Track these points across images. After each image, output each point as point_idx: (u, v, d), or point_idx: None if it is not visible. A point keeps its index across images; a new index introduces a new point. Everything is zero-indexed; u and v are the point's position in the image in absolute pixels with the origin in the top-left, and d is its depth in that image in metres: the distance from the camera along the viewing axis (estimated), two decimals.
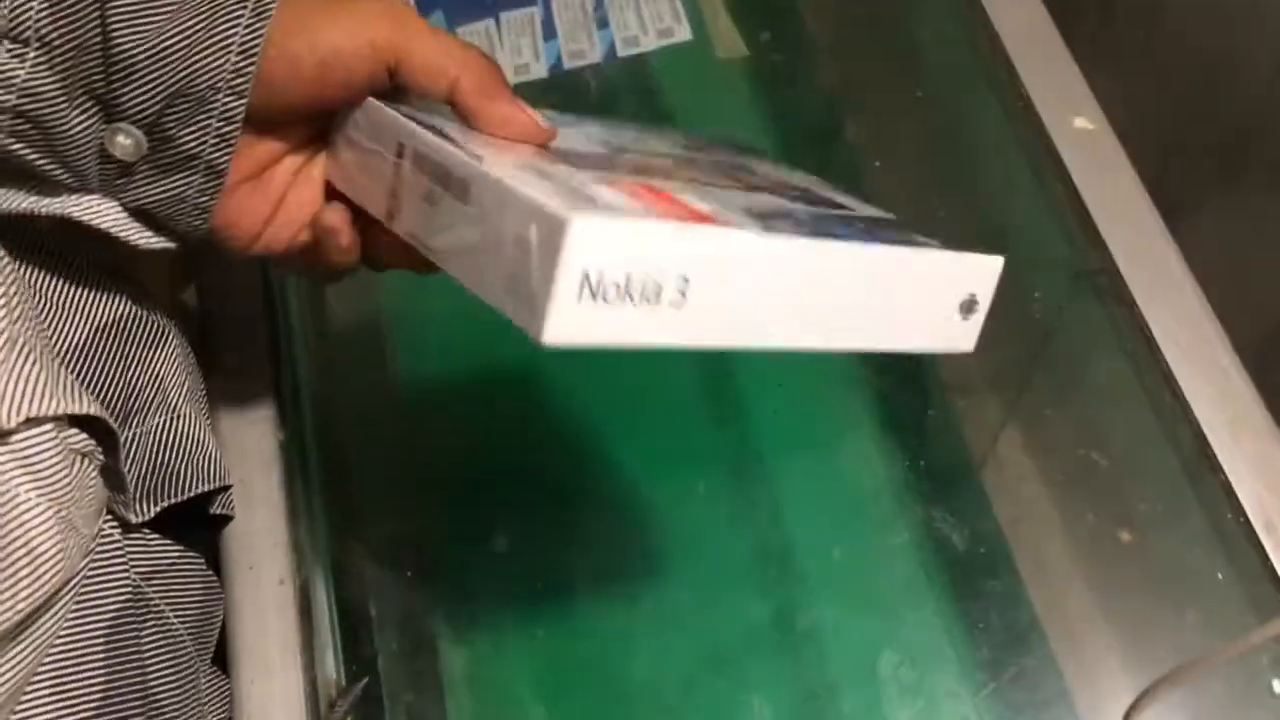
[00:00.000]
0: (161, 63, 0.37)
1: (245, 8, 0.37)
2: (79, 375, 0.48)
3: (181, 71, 0.37)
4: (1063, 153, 0.62)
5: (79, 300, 0.48)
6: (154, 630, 0.47)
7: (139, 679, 0.45)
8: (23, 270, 0.46)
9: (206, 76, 0.37)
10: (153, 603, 0.47)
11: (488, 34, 0.74)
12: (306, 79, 0.38)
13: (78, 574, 0.43)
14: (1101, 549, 0.55)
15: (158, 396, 0.51)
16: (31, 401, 0.37)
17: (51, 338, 0.47)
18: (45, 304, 0.47)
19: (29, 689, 0.41)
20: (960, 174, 0.67)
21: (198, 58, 0.37)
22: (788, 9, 0.75)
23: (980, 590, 0.55)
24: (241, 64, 0.37)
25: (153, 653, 0.46)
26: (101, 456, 0.43)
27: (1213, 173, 0.74)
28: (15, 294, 0.38)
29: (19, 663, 0.39)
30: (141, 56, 0.36)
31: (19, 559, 0.37)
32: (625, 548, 0.58)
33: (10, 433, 0.37)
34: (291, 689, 0.51)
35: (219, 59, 0.37)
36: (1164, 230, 0.60)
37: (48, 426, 0.38)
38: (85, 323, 0.48)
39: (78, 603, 0.43)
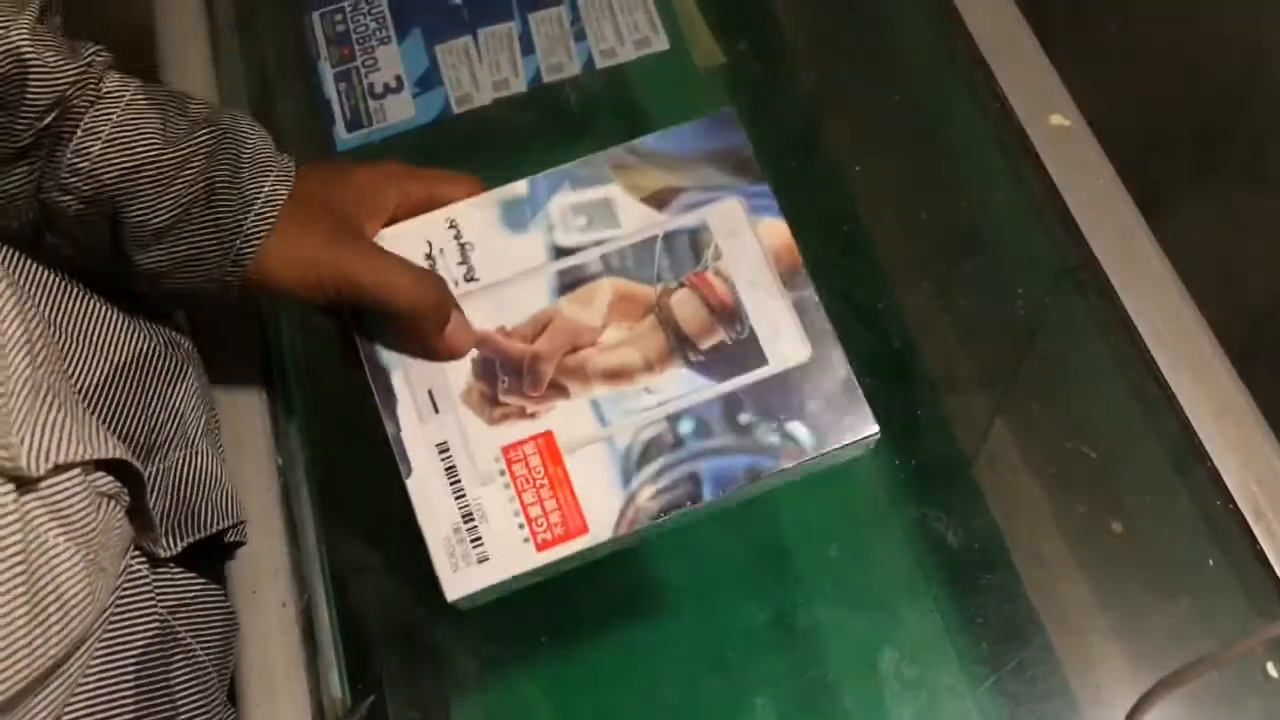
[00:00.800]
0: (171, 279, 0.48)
1: (230, 249, 0.47)
2: (101, 412, 0.48)
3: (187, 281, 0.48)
4: (1040, 150, 0.63)
5: (100, 338, 0.49)
6: (182, 663, 0.47)
7: (169, 711, 0.45)
8: (44, 309, 0.47)
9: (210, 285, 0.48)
10: (179, 636, 0.47)
11: (466, 51, 0.75)
12: (255, 288, 0.48)
13: (104, 616, 0.43)
14: (1093, 540, 0.56)
15: (178, 433, 0.51)
16: (59, 449, 0.37)
17: (73, 376, 0.47)
18: (67, 341, 0.47)
19: None
20: (940, 175, 0.68)
21: (199, 276, 0.48)
22: (764, 17, 0.75)
23: (977, 585, 0.56)
24: (230, 281, 0.48)
25: (180, 686, 0.47)
26: (128, 498, 0.43)
27: (1189, 165, 0.75)
28: (39, 337, 0.39)
29: (50, 702, 0.39)
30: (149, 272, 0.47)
31: (49, 604, 0.37)
32: (625, 555, 0.58)
33: (38, 480, 0.37)
34: (297, 711, 0.51)
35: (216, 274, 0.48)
36: (1143, 224, 0.61)
37: (75, 472, 0.39)
38: (106, 361, 0.49)
39: (108, 637, 0.43)
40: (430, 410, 0.47)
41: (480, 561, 0.45)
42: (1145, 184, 0.63)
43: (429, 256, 0.49)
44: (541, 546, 0.45)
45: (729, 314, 0.47)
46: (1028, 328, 0.62)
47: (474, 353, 0.48)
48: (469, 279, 0.49)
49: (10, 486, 0.36)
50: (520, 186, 0.50)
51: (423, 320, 0.46)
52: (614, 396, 0.46)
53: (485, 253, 0.49)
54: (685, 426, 0.46)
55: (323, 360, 0.65)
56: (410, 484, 0.46)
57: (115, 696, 0.43)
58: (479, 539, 0.45)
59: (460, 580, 0.45)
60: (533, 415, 0.46)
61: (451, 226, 0.49)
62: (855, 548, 0.58)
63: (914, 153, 0.69)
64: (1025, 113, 0.64)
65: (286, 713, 0.52)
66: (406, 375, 0.47)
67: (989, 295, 0.64)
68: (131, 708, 0.43)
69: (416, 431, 0.47)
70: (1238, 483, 0.54)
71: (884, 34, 0.73)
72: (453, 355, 0.47)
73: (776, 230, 0.48)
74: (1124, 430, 0.58)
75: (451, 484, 0.46)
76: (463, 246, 0.49)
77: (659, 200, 0.49)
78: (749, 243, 0.48)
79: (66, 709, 0.41)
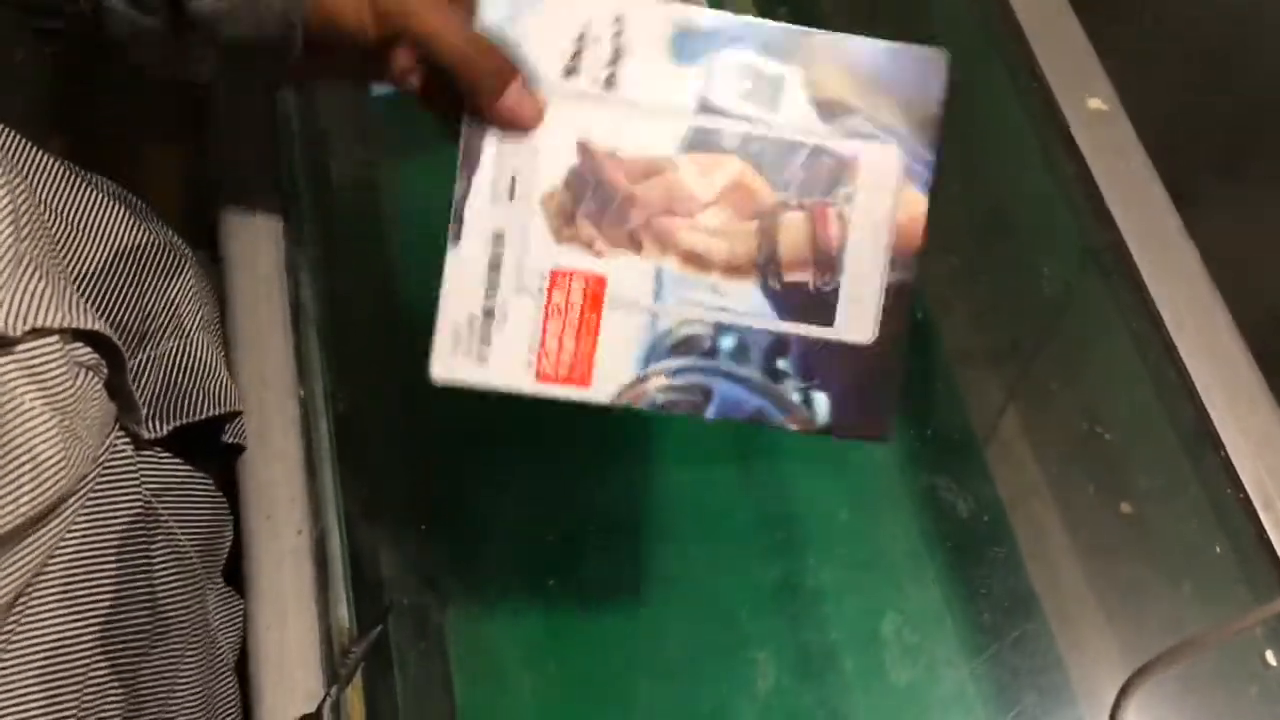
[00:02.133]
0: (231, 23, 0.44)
1: None
2: (97, 297, 0.49)
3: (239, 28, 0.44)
4: (1075, 133, 0.63)
5: (99, 225, 0.50)
6: (163, 545, 0.48)
7: (147, 591, 0.46)
8: (42, 192, 0.47)
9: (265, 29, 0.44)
10: (162, 518, 0.48)
11: None
12: (315, 27, 0.43)
13: (86, 483, 0.44)
14: (1102, 521, 0.56)
15: (172, 323, 0.52)
16: (36, 313, 0.38)
17: (71, 259, 0.48)
18: (65, 227, 0.48)
19: (38, 597, 0.42)
20: (974, 152, 0.68)
21: (259, 16, 0.44)
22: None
23: (982, 558, 0.56)
24: (291, 20, 0.44)
25: (161, 567, 0.48)
26: (106, 371, 0.44)
27: (1223, 154, 0.75)
28: (25, 213, 0.40)
29: (23, 564, 0.40)
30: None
31: (22, 463, 0.38)
32: (635, 511, 0.59)
33: (16, 341, 0.38)
34: (306, 636, 0.52)
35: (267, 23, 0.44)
36: (1173, 210, 0.61)
37: (53, 338, 0.40)
38: (105, 246, 0.50)
39: (90, 514, 0.44)
40: (506, 194, 0.44)
41: (479, 360, 0.44)
42: (1178, 171, 0.62)
43: (578, 40, 0.44)
44: (540, 378, 0.44)
45: (827, 261, 0.45)
46: (1051, 307, 0.62)
47: (576, 161, 0.44)
48: (607, 84, 0.44)
49: None
50: (704, 16, 0.45)
51: (474, 83, 0.43)
52: (680, 277, 0.44)
53: (636, 67, 0.44)
54: (726, 342, 0.44)
55: (347, 298, 0.66)
56: (450, 255, 0.44)
57: (95, 570, 0.44)
58: (488, 340, 0.44)
59: (452, 365, 0.44)
60: (598, 253, 0.44)
61: (617, 21, 0.44)
62: (864, 515, 0.58)
63: (949, 127, 0.69)
64: (1063, 94, 0.64)
65: (295, 637, 0.53)
66: (499, 150, 0.44)
67: (1014, 273, 0.64)
68: (111, 583, 0.45)
69: (483, 207, 0.44)
70: (1250, 472, 0.54)
71: (924, 9, 0.73)
72: (513, 124, 0.44)
73: (915, 203, 0.45)
74: (1140, 414, 0.58)
75: (489, 274, 0.44)
76: (617, 48, 0.44)
77: (828, 109, 0.45)
78: (884, 202, 0.45)
79: (43, 576, 0.42)
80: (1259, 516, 0.54)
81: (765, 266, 0.45)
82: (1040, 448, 0.58)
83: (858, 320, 0.45)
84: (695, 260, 0.45)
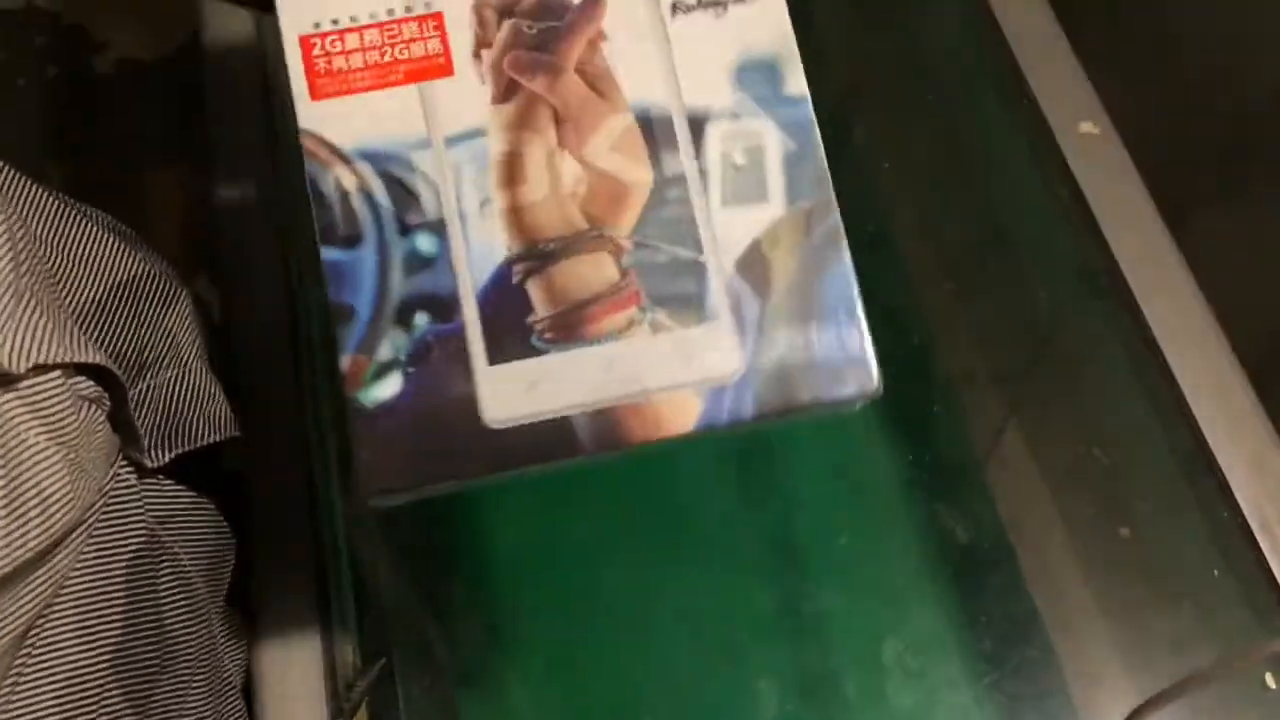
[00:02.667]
0: None
1: None
2: (95, 329, 0.49)
3: None
4: (1068, 156, 0.63)
5: (95, 258, 0.50)
6: (169, 573, 0.48)
7: (155, 618, 0.47)
8: (37, 228, 0.48)
9: None
10: (167, 545, 0.49)
11: None
12: None
13: (91, 513, 0.44)
14: (1100, 544, 0.57)
15: (169, 352, 0.53)
16: (39, 349, 0.39)
17: (67, 293, 0.49)
18: (61, 261, 0.49)
19: (51, 627, 0.43)
20: (968, 176, 0.68)
21: None
22: (797, 12, 0.76)
23: (983, 582, 0.56)
24: None
25: (168, 594, 0.48)
26: (109, 403, 0.45)
27: (1216, 178, 0.75)
28: (24, 249, 0.40)
29: (34, 596, 0.41)
30: None
31: (30, 499, 0.38)
32: (637, 537, 0.59)
33: (19, 379, 0.38)
34: (310, 668, 0.53)
35: None
36: (1166, 233, 0.61)
37: (55, 374, 0.40)
38: (100, 281, 0.50)
39: (98, 544, 0.45)
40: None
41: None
42: (1171, 194, 0.63)
43: None
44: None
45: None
46: (1047, 330, 0.62)
47: None
48: None
49: None
50: None
51: None
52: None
53: None
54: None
55: None
56: None
57: (105, 599, 0.45)
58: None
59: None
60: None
61: None
62: (865, 539, 0.59)
63: (943, 153, 0.70)
64: (1056, 118, 0.65)
65: (299, 669, 0.53)
66: None
67: (1010, 296, 0.65)
68: (121, 612, 0.45)
69: None
70: (1247, 495, 0.54)
71: (918, 34, 0.73)
72: None
73: None
74: (1137, 437, 0.59)
75: None
76: None
77: None
78: None
79: (55, 606, 0.42)
80: (1256, 539, 0.54)
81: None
82: (1038, 471, 0.59)
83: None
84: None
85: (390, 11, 0.36)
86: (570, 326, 0.35)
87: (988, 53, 0.69)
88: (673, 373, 0.35)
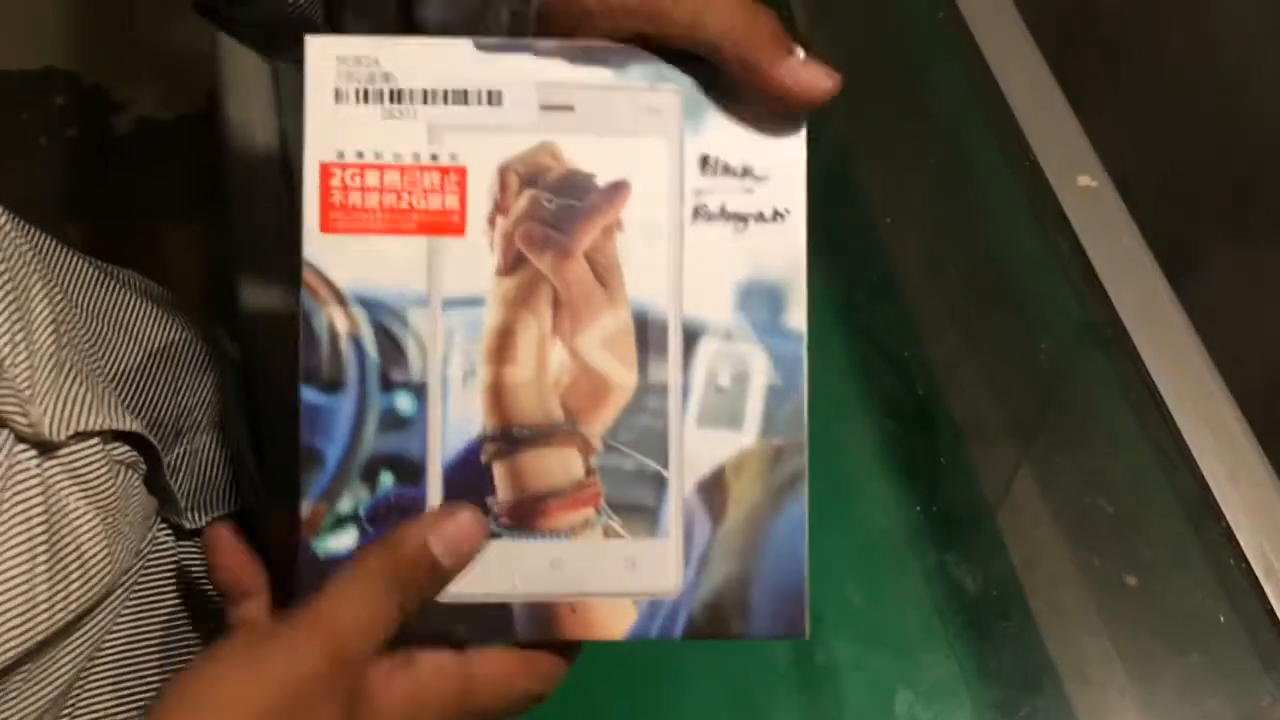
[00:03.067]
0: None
1: None
2: (134, 395, 0.51)
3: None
4: (1067, 210, 0.64)
5: (132, 324, 0.52)
6: (204, 634, 0.49)
7: None
8: (76, 294, 0.50)
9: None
10: (203, 607, 0.50)
11: None
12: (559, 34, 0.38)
13: (129, 575, 0.45)
14: (1108, 594, 0.57)
15: (206, 417, 0.54)
16: (79, 417, 0.40)
17: (107, 359, 0.50)
18: (102, 328, 0.50)
19: (89, 688, 0.44)
20: (969, 230, 0.70)
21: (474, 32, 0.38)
22: None
23: (992, 632, 0.57)
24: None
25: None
26: (144, 467, 0.46)
27: (1218, 227, 0.77)
28: (64, 318, 0.42)
29: (74, 656, 0.42)
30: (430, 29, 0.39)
31: (70, 562, 0.40)
32: None
33: (59, 446, 0.40)
34: None
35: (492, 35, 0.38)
36: (1166, 285, 0.62)
37: (94, 441, 0.41)
38: (139, 346, 0.52)
39: (136, 606, 0.46)
40: None
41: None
42: (1170, 246, 0.64)
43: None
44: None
45: None
46: (1050, 382, 0.63)
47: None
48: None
49: (33, 452, 0.39)
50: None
51: (749, 54, 0.34)
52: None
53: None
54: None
55: None
56: None
57: (142, 660, 0.46)
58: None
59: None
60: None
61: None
62: (875, 590, 0.59)
63: (944, 207, 0.71)
64: (1054, 172, 0.66)
65: None
66: None
67: (1013, 349, 0.66)
68: (156, 672, 0.46)
69: None
70: (1251, 543, 0.55)
71: (918, 90, 0.75)
72: (798, 97, 0.34)
73: None
74: (1141, 487, 0.59)
75: None
76: None
77: None
78: None
79: (94, 666, 0.44)
80: (1262, 586, 0.55)
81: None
82: (1044, 521, 0.59)
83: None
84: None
85: (416, 156, 0.35)
86: (527, 515, 0.35)
87: (986, 108, 0.70)
88: (614, 580, 0.35)
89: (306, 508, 0.35)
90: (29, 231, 0.46)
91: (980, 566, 0.58)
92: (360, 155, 0.35)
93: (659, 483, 0.35)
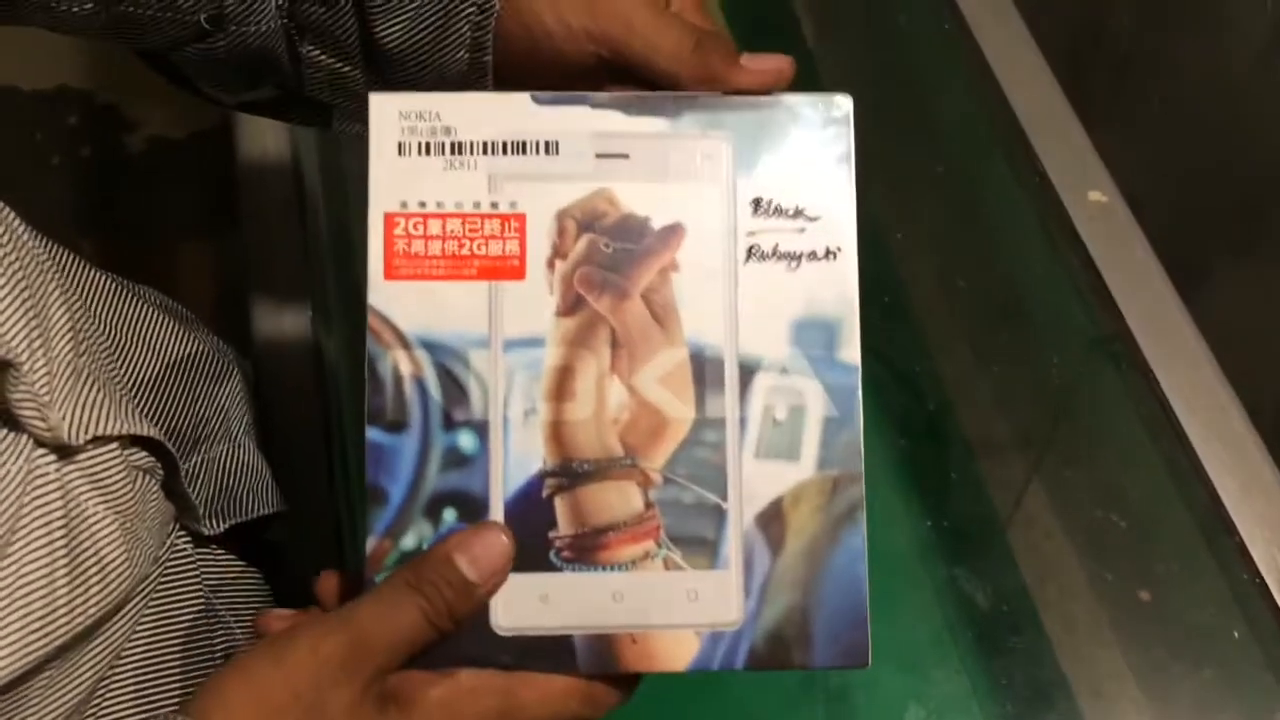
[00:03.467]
0: (412, 56, 0.41)
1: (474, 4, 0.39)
2: (152, 404, 0.52)
3: (429, 63, 0.41)
4: (1078, 225, 0.65)
5: (150, 337, 0.53)
6: (223, 641, 0.50)
7: None
8: (97, 307, 0.50)
9: (452, 66, 0.41)
10: (221, 614, 0.50)
11: None
12: (519, 55, 0.40)
13: (149, 582, 0.46)
14: (1121, 608, 0.57)
15: (222, 428, 0.55)
16: (97, 422, 0.40)
17: (126, 368, 0.51)
18: (122, 339, 0.51)
19: (110, 695, 0.44)
20: (979, 246, 0.70)
21: (440, 52, 0.41)
22: (809, 87, 0.78)
23: (1004, 647, 0.57)
24: (476, 58, 0.40)
25: (223, 661, 0.49)
26: (162, 473, 0.47)
27: (1229, 240, 0.77)
28: (83, 328, 0.42)
29: (95, 661, 0.42)
30: (396, 50, 0.41)
31: (89, 566, 0.40)
32: None
33: (78, 450, 0.40)
34: None
35: (457, 53, 0.41)
36: (1177, 299, 0.62)
37: (112, 445, 0.42)
38: (157, 358, 0.53)
39: (156, 612, 0.46)
40: None
41: None
42: (1185, 257, 0.64)
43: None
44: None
45: None
46: (1061, 397, 0.63)
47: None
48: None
49: (53, 456, 0.39)
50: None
51: (701, 81, 0.37)
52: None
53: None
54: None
55: None
56: None
57: (163, 666, 0.46)
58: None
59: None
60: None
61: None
62: (885, 606, 0.59)
63: (955, 223, 0.71)
64: (1064, 188, 0.66)
65: None
66: None
67: (1024, 363, 0.66)
68: (178, 679, 0.46)
69: None
70: (1264, 556, 0.55)
71: (928, 107, 0.75)
72: (754, 93, 0.37)
73: None
74: (1154, 501, 0.59)
75: None
76: None
77: None
78: None
79: (116, 672, 0.44)
80: (1275, 599, 0.54)
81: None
82: (1057, 536, 0.59)
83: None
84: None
85: (476, 204, 0.37)
86: (588, 549, 0.36)
87: (995, 124, 0.71)
88: (676, 612, 0.35)
89: (371, 544, 0.35)
90: (48, 245, 0.47)
91: (991, 581, 0.58)
92: (423, 205, 0.37)
93: (718, 515, 0.36)
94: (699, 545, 0.35)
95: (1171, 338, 0.61)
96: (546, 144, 0.37)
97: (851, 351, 0.36)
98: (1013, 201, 0.69)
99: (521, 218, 0.37)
